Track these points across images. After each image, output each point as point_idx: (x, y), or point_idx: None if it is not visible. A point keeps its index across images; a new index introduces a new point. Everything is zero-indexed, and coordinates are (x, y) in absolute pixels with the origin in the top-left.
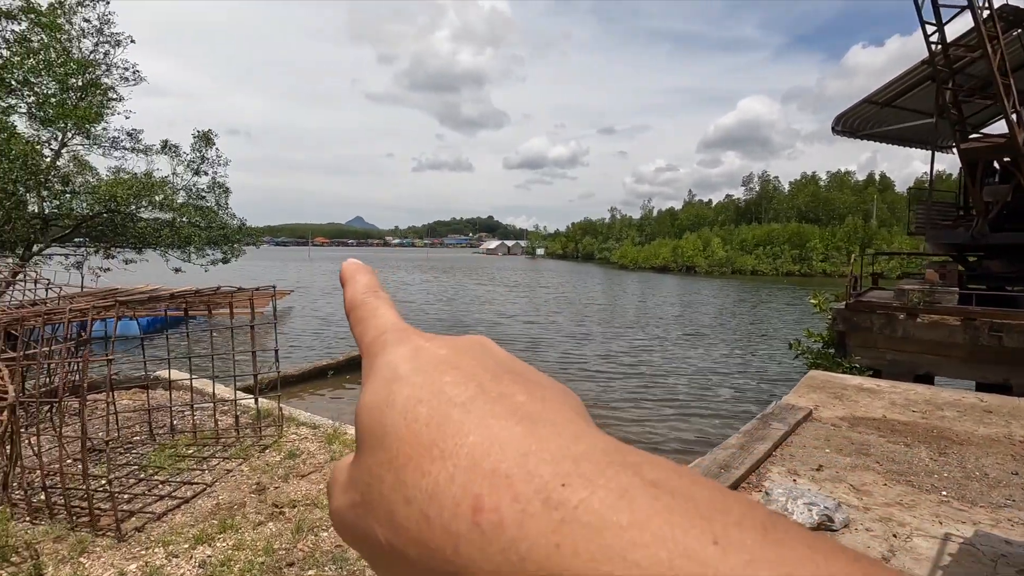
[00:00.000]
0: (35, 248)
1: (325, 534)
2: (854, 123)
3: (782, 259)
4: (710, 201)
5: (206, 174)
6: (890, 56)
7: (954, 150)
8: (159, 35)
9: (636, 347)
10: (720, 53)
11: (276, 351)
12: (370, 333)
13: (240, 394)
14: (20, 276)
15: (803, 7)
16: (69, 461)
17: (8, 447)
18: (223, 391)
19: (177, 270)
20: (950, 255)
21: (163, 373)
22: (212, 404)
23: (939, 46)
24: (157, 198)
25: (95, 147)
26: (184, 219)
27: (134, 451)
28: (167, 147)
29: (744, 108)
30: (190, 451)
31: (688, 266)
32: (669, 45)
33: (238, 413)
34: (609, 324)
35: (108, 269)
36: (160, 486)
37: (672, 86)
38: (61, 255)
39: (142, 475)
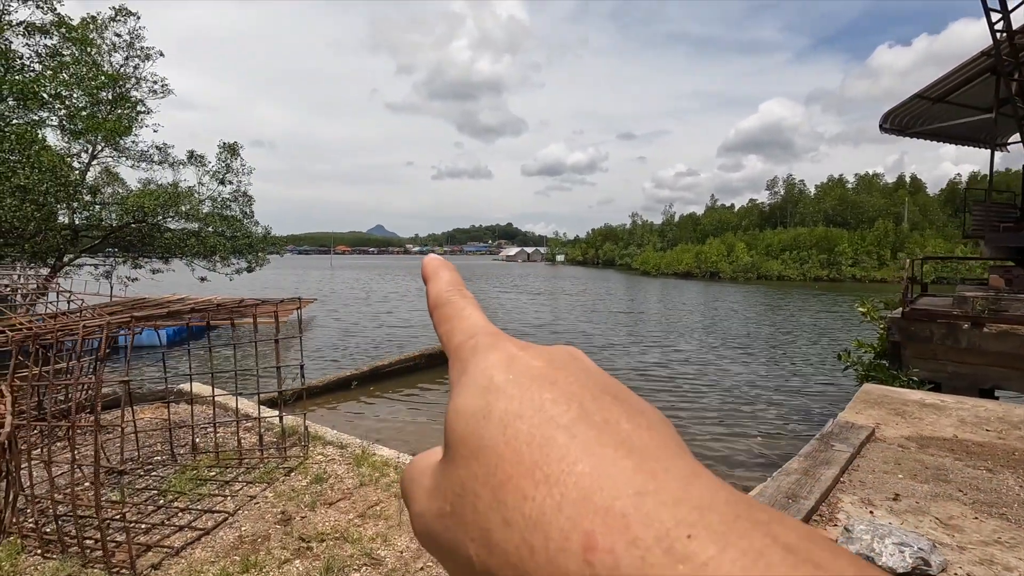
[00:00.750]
0: (65, 259)
1: (357, 575)
2: (904, 120)
3: (809, 264)
4: (732, 206)
5: (231, 183)
6: (917, 55)
7: (1012, 147)
8: (187, 50)
9: (669, 358)
10: (740, 56)
11: (302, 367)
12: (458, 335)
13: (264, 410)
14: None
15: (825, 8)
16: (87, 484)
17: (6, 478)
18: (247, 406)
19: (203, 279)
20: (1012, 259)
21: (186, 386)
22: (235, 421)
23: (1003, 35)
24: (183, 208)
25: (124, 159)
26: (210, 228)
27: (154, 473)
28: (193, 158)
29: (766, 111)
30: (212, 473)
31: (712, 272)
32: (687, 49)
33: (262, 431)
34: (638, 333)
35: (136, 279)
36: (180, 514)
37: (691, 90)
38: (91, 265)
39: (161, 500)
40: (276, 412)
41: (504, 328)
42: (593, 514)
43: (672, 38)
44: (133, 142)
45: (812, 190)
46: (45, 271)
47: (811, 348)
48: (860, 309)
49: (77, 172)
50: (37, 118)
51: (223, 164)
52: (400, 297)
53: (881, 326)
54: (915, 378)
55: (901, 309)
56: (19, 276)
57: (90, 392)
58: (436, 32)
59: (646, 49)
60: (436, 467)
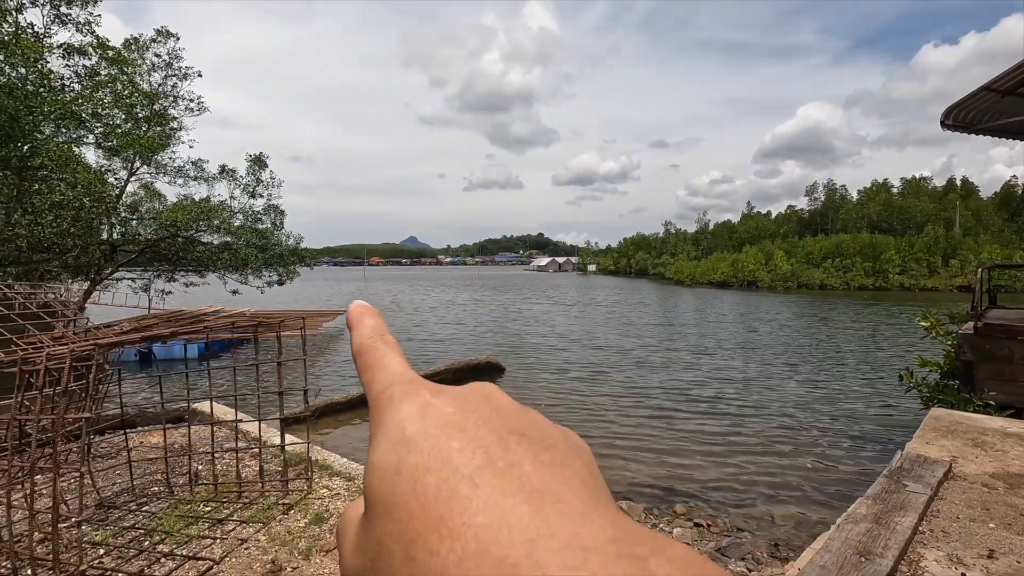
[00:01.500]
0: (104, 273)
1: None
2: (968, 116)
3: (853, 272)
4: (769, 212)
5: (261, 196)
6: (966, 54)
7: None
8: (229, 71)
9: (709, 376)
10: (775, 60)
11: (305, 391)
12: (377, 384)
13: (270, 433)
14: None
15: (864, 8)
16: (72, 521)
17: None
18: (256, 430)
19: (235, 292)
20: None
21: (199, 407)
22: (236, 449)
23: None
24: (215, 222)
25: (161, 175)
26: (242, 241)
27: (146, 508)
28: (224, 171)
29: (804, 115)
30: (208, 508)
31: (749, 281)
32: (721, 55)
33: (263, 462)
34: (675, 348)
35: (170, 292)
36: (162, 560)
37: (725, 96)
38: (129, 279)
39: (147, 542)
40: (285, 438)
41: (535, 344)
42: (489, 566)
43: (704, 45)
44: (170, 158)
45: (855, 195)
46: (85, 285)
47: (864, 365)
48: (923, 323)
49: (115, 188)
50: (75, 136)
51: (252, 177)
52: (429, 309)
53: (948, 342)
54: (991, 402)
55: (973, 323)
56: (63, 291)
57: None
58: (468, 46)
59: (678, 57)
60: (359, 522)
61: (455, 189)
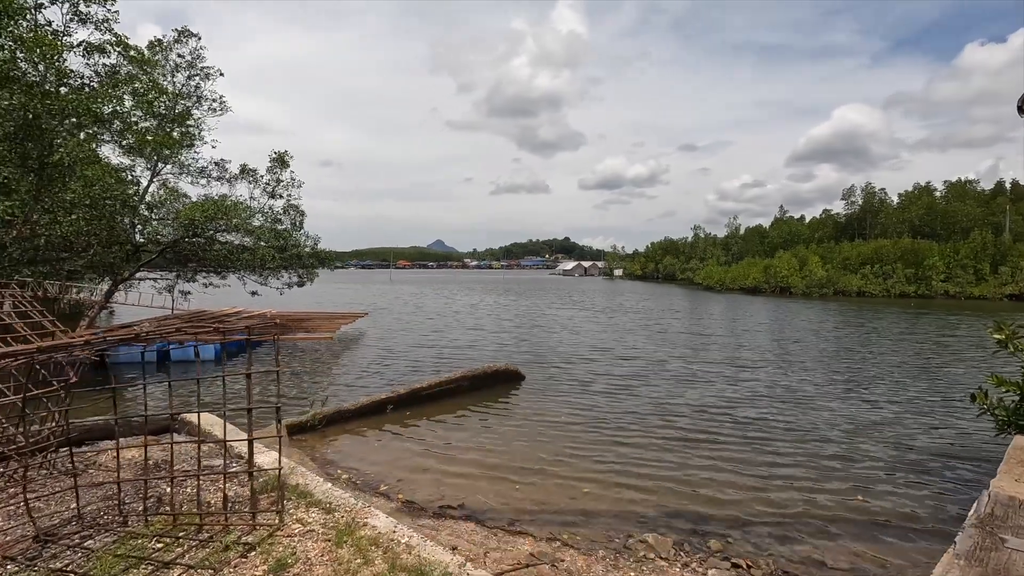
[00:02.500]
0: (126, 273)
1: None
2: None
3: (894, 279)
4: (803, 217)
5: (281, 197)
6: (1014, 53)
7: None
8: (263, 79)
9: (747, 393)
10: (811, 62)
11: (278, 408)
12: None
13: (259, 450)
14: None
15: (904, 8)
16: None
17: None
18: (242, 446)
19: (254, 293)
20: None
21: (189, 417)
22: (198, 475)
23: None
24: (233, 221)
25: (184, 175)
26: (261, 242)
27: (90, 541)
28: (244, 171)
29: (840, 118)
30: (160, 545)
31: (782, 287)
32: (753, 58)
33: (240, 484)
34: (708, 359)
35: (189, 293)
36: None
37: (757, 99)
38: (151, 279)
39: None
40: (282, 455)
41: (563, 353)
42: None
43: (737, 48)
44: (193, 159)
45: (895, 199)
46: (106, 286)
47: (923, 382)
48: (996, 335)
49: (135, 188)
50: (92, 133)
51: (273, 176)
52: (453, 313)
53: None
54: None
55: None
56: (90, 291)
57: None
58: (496, 50)
59: (709, 60)
60: None
61: (482, 193)
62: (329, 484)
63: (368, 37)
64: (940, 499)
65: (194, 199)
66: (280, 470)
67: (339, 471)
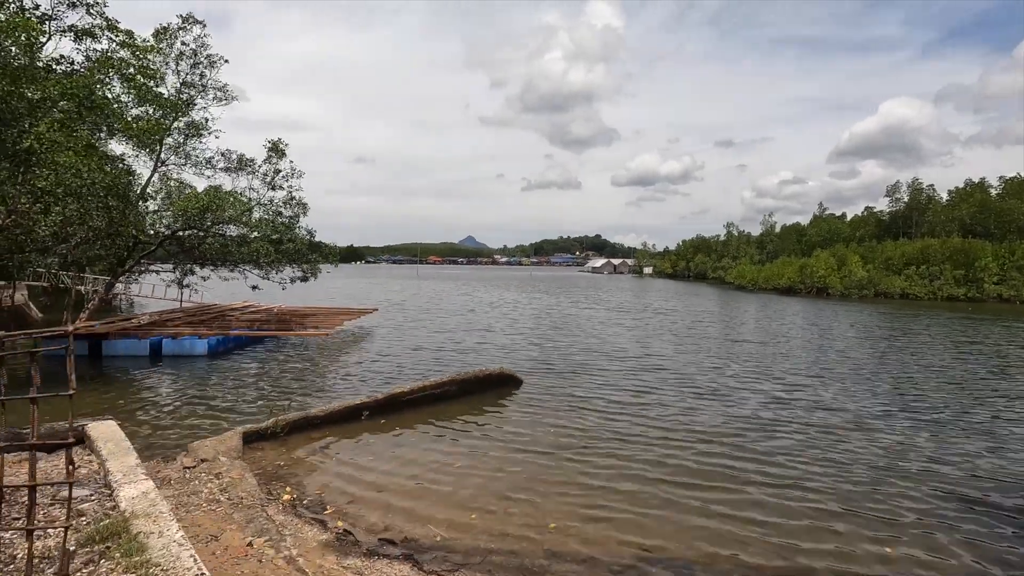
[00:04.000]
0: (127, 265)
1: None
2: None
3: (941, 280)
4: (844, 215)
5: (281, 188)
6: None
7: None
8: (301, 78)
9: (781, 412)
10: (855, 55)
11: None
12: None
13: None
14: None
15: None
16: None
17: None
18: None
19: (254, 287)
20: None
21: (97, 426)
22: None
23: None
24: (227, 213)
25: (188, 166)
26: (255, 234)
27: None
28: (243, 161)
29: (887, 112)
30: None
31: (819, 287)
32: (795, 51)
33: (33, 544)
34: (739, 369)
35: (187, 285)
36: None
37: (798, 94)
38: (153, 271)
39: None
40: (136, 490)
41: (584, 363)
42: None
43: (777, 41)
44: (197, 149)
45: (944, 196)
46: (104, 279)
47: (990, 402)
48: None
49: (128, 177)
50: (70, 116)
51: (271, 167)
52: (468, 311)
53: None
54: None
55: None
56: (92, 282)
57: None
58: (530, 46)
59: (748, 54)
60: None
61: (513, 190)
62: (181, 535)
63: (403, 35)
64: None
65: (200, 191)
66: (69, 528)
67: (283, 489)
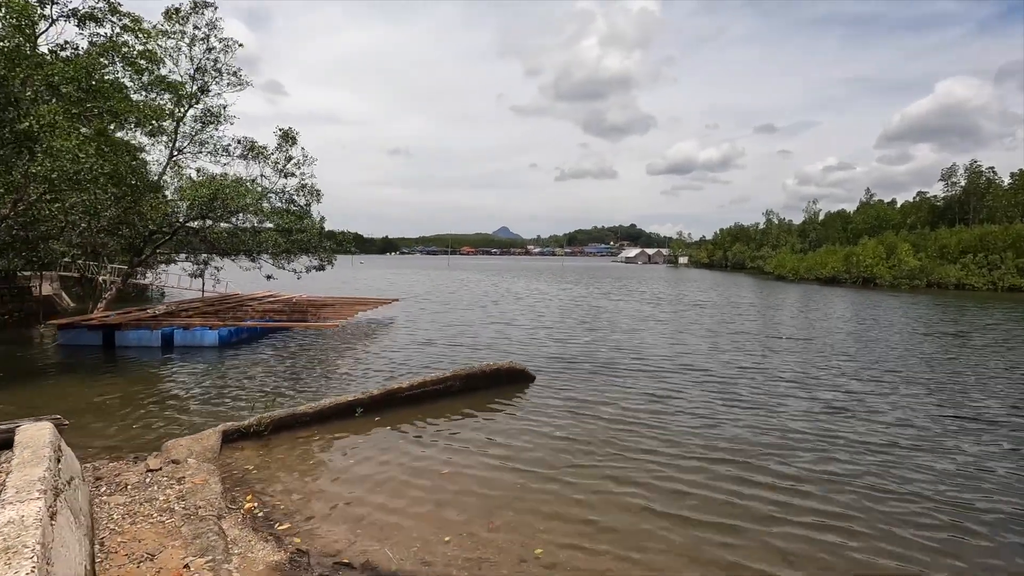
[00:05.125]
0: (144, 255)
1: None
2: None
3: (1002, 269)
4: (894, 201)
5: (293, 175)
6: None
7: None
8: (338, 70)
9: (826, 429)
10: (907, 33)
11: None
12: None
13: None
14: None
15: None
16: None
17: None
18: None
19: (269, 277)
20: None
21: (27, 426)
22: None
23: None
24: (238, 202)
25: (202, 154)
26: (268, 224)
27: None
28: (253, 149)
29: (943, 92)
30: None
31: (865, 277)
32: (841, 31)
33: None
34: (778, 370)
35: (200, 275)
36: None
37: (845, 76)
38: (162, 261)
39: None
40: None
41: (601, 352)
42: None
43: (822, 21)
44: (214, 137)
45: (1005, 180)
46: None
47: None
48: None
49: (131, 162)
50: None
51: (283, 154)
52: (492, 303)
53: None
54: None
55: None
56: (109, 271)
57: None
58: (564, 33)
59: (792, 35)
60: None
61: (547, 180)
62: None
63: (439, 27)
64: None
65: (207, 179)
66: None
67: (247, 497)
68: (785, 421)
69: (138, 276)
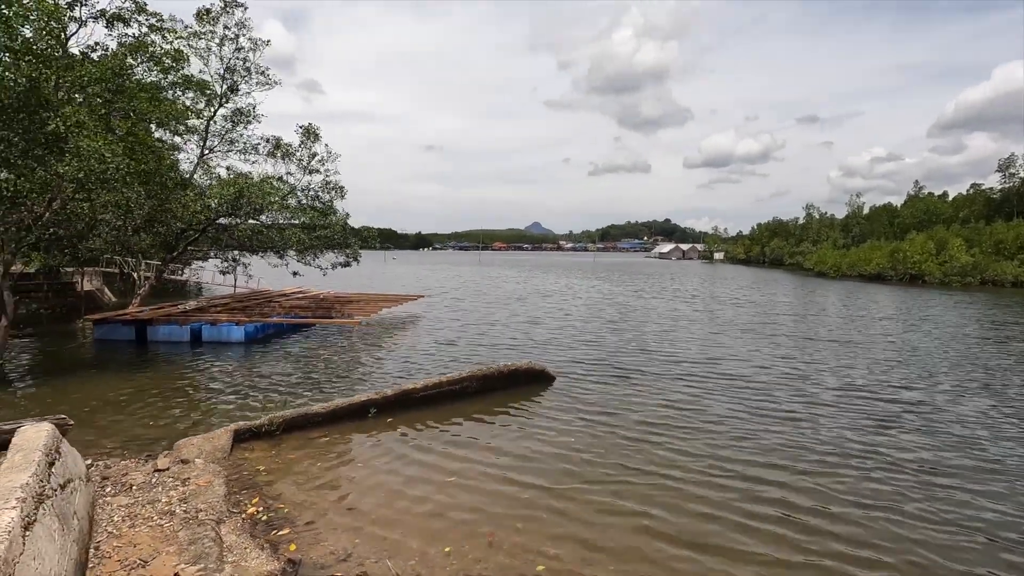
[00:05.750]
0: (176, 251)
1: None
2: None
3: None
4: (945, 194)
5: (317, 171)
6: None
7: None
8: (373, 68)
9: (906, 439)
10: (963, 16)
11: None
12: None
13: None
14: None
15: None
16: None
17: None
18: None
19: (295, 273)
20: None
21: (28, 427)
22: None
23: None
24: (264, 200)
25: (232, 153)
26: (294, 221)
27: None
28: (279, 147)
29: (1002, 78)
30: None
31: (913, 274)
32: (891, 15)
33: None
34: (835, 371)
35: (227, 272)
36: None
37: (894, 63)
38: (197, 259)
39: None
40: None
41: (626, 356)
42: None
43: (871, 5)
44: (240, 136)
45: None
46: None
47: None
48: None
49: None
50: (99, 100)
51: (307, 151)
52: (517, 300)
53: None
54: None
55: None
56: (143, 267)
57: None
58: (598, 25)
59: (836, 21)
60: None
61: (580, 174)
62: None
63: (472, 22)
64: None
65: (233, 177)
66: None
67: (253, 500)
68: (825, 437)
69: (175, 272)
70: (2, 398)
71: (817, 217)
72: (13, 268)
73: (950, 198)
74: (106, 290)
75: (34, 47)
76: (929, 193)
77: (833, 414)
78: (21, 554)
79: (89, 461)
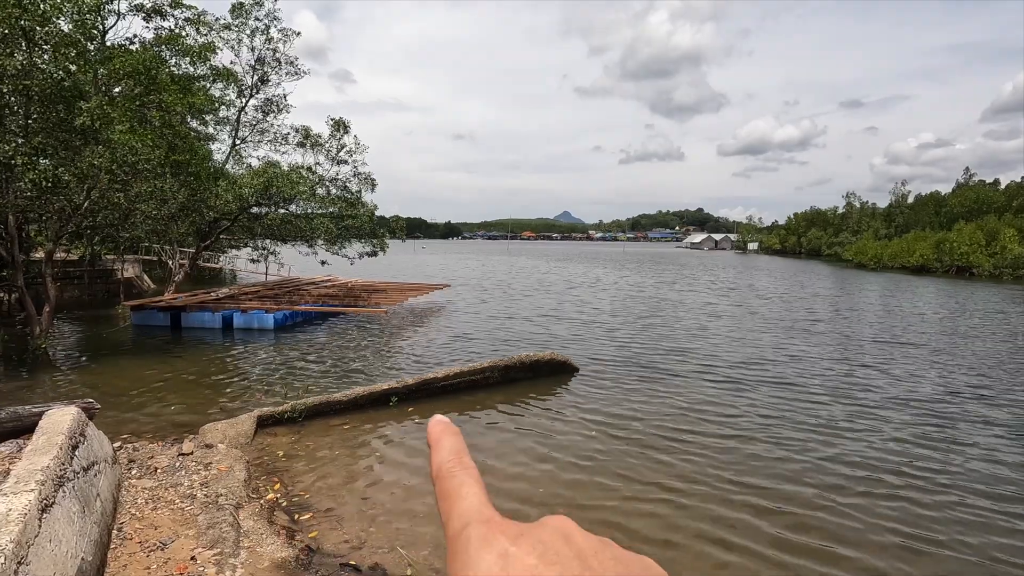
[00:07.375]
0: (208, 240)
1: None
2: None
3: None
4: (996, 181)
5: (345, 163)
6: None
7: None
8: (407, 59)
9: (963, 452)
10: None
11: None
12: (454, 520)
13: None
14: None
15: None
16: None
17: None
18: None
19: (323, 263)
20: None
21: (55, 411)
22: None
23: None
24: (292, 190)
25: (263, 143)
26: (321, 211)
27: None
28: (308, 137)
29: None
30: None
31: (960, 266)
32: None
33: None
34: (881, 376)
35: (258, 260)
36: None
37: (944, 43)
38: (228, 247)
39: None
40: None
41: (652, 355)
42: None
43: None
44: (271, 126)
45: None
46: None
47: None
48: None
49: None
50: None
51: (336, 142)
52: (543, 291)
53: None
54: None
55: None
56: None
57: None
58: (632, 8)
59: (882, 1)
60: None
61: (611, 163)
62: None
63: (502, 8)
64: None
65: (286, 166)
66: None
67: (274, 486)
68: (871, 453)
69: (210, 260)
70: (42, 379)
71: (858, 206)
72: (57, 255)
73: (1002, 186)
74: (145, 277)
75: (74, 39)
76: (980, 181)
77: (882, 427)
78: (36, 536)
79: (118, 444)
